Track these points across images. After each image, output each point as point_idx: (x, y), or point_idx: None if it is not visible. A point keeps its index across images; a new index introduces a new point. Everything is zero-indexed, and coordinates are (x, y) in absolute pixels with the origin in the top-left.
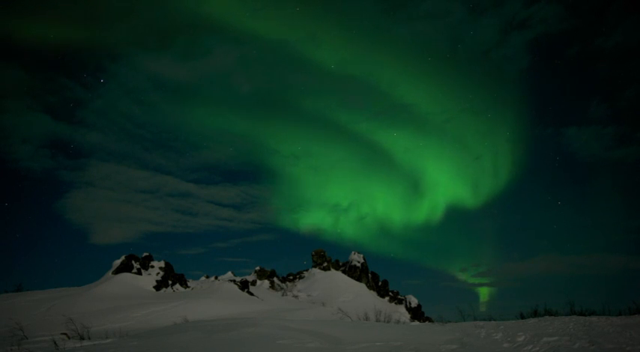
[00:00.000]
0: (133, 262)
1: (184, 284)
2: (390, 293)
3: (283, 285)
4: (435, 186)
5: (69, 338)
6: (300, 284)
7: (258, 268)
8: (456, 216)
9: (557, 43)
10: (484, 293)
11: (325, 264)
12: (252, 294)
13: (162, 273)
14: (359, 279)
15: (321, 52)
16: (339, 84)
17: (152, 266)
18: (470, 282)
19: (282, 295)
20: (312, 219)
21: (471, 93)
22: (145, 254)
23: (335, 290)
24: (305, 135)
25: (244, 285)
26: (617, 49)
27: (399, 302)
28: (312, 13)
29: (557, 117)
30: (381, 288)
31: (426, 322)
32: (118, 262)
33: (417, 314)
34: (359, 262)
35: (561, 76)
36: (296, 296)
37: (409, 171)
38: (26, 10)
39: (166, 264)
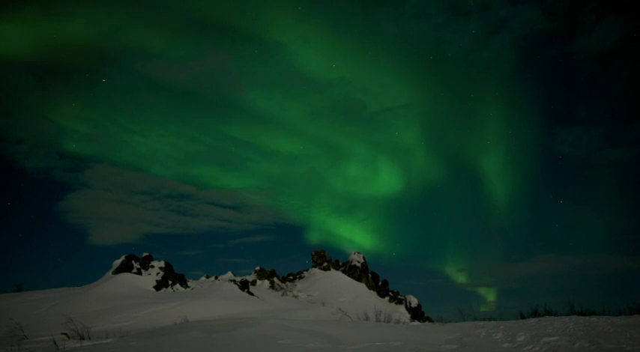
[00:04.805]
0: (133, 262)
1: (184, 284)
2: (390, 293)
3: (283, 285)
4: (432, 186)
5: (69, 338)
6: (300, 284)
7: (258, 268)
8: (455, 216)
9: (541, 45)
10: (484, 293)
11: (325, 264)
12: (252, 294)
13: (162, 273)
14: (359, 279)
15: (314, 53)
16: (335, 85)
17: (152, 267)
18: (470, 283)
19: (282, 295)
20: (313, 219)
21: (466, 93)
22: (145, 254)
23: (335, 290)
24: (304, 135)
25: (244, 285)
26: (599, 50)
27: (399, 302)
28: (307, 13)
29: (551, 117)
30: (381, 288)
31: (426, 322)
32: (118, 262)
33: (417, 314)
34: (359, 262)
35: (551, 77)
36: (296, 296)
37: (407, 171)
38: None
39: (166, 264)
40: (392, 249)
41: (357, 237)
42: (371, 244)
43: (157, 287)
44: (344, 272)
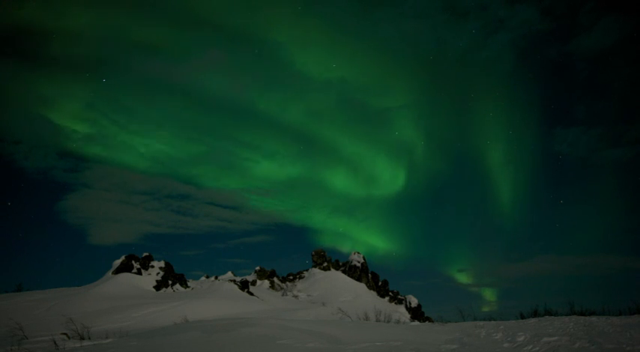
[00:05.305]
0: (133, 262)
1: (184, 284)
2: (390, 293)
3: (283, 285)
4: (432, 187)
5: (69, 338)
6: (300, 284)
7: (258, 268)
8: (454, 216)
9: (540, 45)
10: (484, 293)
11: (325, 264)
12: (252, 294)
13: (162, 273)
14: (359, 279)
15: (314, 53)
16: (335, 85)
17: (152, 266)
18: (470, 282)
19: (282, 295)
20: (313, 219)
21: (465, 93)
22: (145, 254)
23: (335, 290)
24: (304, 135)
25: (244, 285)
26: (597, 50)
27: (399, 302)
28: (306, 13)
29: (550, 117)
30: (381, 288)
31: (426, 322)
32: (118, 262)
33: (417, 314)
34: (359, 262)
35: (550, 77)
36: (296, 296)
37: (407, 171)
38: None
39: (166, 263)
40: (392, 248)
41: (357, 237)
42: (371, 244)
43: (157, 287)
44: (344, 272)
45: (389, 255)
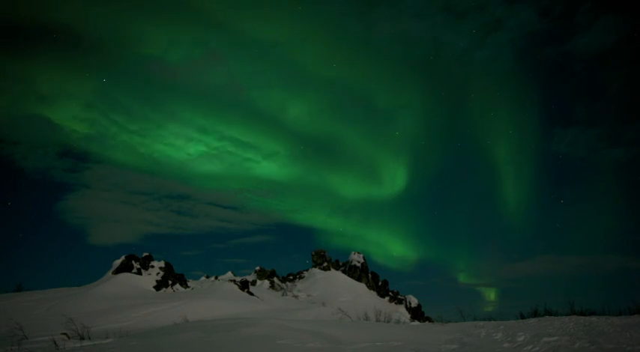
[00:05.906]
0: (133, 262)
1: (184, 284)
2: (390, 293)
3: (283, 285)
4: (432, 187)
5: (69, 338)
6: (300, 284)
7: (258, 268)
8: (454, 216)
9: (538, 45)
10: (485, 293)
11: (325, 264)
12: (252, 294)
13: (162, 273)
14: (359, 279)
15: (314, 53)
16: (335, 84)
17: (152, 266)
18: (470, 282)
19: (282, 295)
20: (313, 220)
21: (465, 93)
22: (145, 254)
23: (335, 290)
24: (304, 135)
25: (244, 285)
26: (596, 49)
27: (399, 302)
28: (306, 12)
29: (550, 117)
30: (381, 288)
31: (426, 322)
32: (118, 262)
33: (417, 314)
34: (359, 262)
35: (549, 76)
36: (296, 296)
37: (407, 171)
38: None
39: (166, 263)
40: (392, 248)
41: (357, 237)
42: (371, 244)
43: (157, 287)
44: (344, 272)
45: (389, 255)
